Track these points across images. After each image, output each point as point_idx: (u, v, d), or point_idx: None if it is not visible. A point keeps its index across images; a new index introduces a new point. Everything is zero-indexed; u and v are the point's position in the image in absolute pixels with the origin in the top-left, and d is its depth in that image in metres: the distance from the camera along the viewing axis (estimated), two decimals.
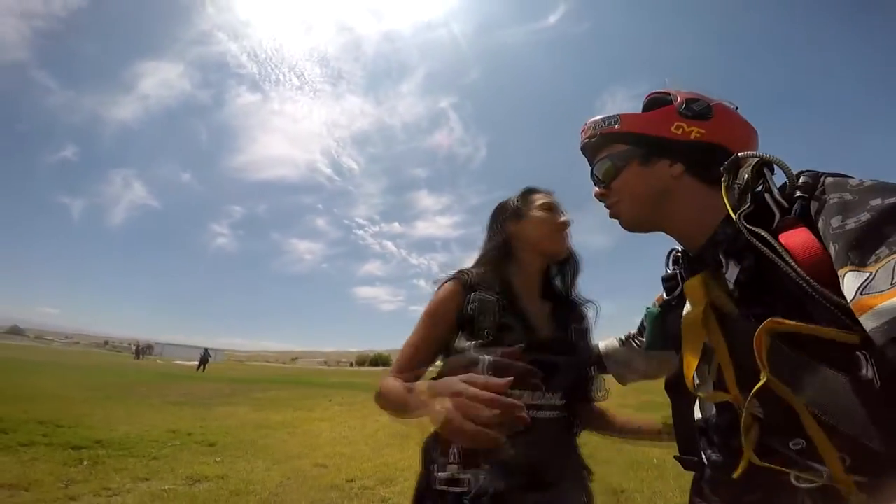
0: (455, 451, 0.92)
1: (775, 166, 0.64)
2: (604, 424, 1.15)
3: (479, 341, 0.95)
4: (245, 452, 5.29)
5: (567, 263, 1.20)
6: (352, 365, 70.28)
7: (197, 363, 28.64)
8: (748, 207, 0.61)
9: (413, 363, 1.01)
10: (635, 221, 0.78)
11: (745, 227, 0.59)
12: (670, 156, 0.72)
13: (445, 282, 1.08)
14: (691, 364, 0.68)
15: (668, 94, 0.76)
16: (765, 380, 0.53)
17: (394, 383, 0.93)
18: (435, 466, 0.96)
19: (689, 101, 0.73)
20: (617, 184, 0.77)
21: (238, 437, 6.28)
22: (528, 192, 1.20)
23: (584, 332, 1.16)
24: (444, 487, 0.93)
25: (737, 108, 0.76)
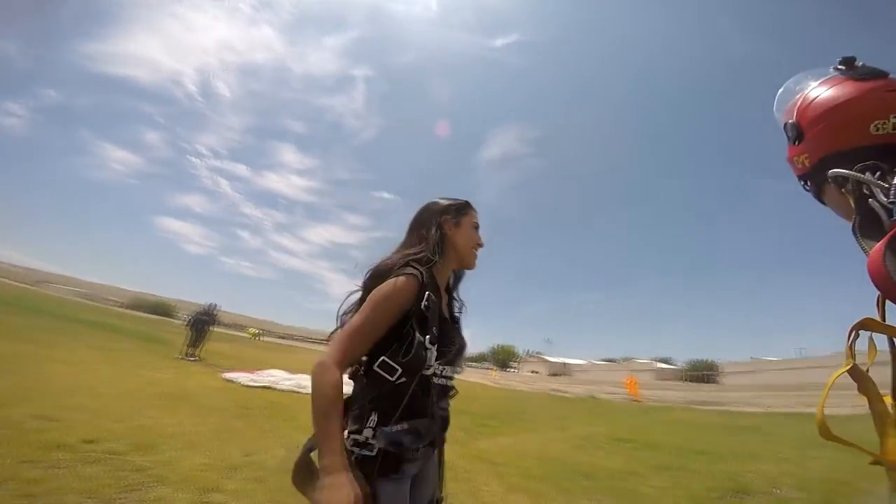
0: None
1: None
2: None
3: (429, 337, 1.06)
4: None
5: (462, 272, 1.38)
6: (122, 306, 58.23)
7: None
8: (856, 218, 0.60)
9: (360, 353, 1.05)
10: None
11: (858, 240, 0.59)
12: (824, 180, 0.69)
13: (401, 275, 1.09)
14: None
15: (780, 120, 0.75)
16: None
17: (334, 409, 0.94)
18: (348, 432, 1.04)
19: (785, 128, 0.71)
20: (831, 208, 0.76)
21: None
22: (467, 206, 1.34)
23: (460, 322, 1.35)
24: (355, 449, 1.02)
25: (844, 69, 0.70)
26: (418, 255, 1.18)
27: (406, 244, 1.25)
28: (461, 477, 3.63)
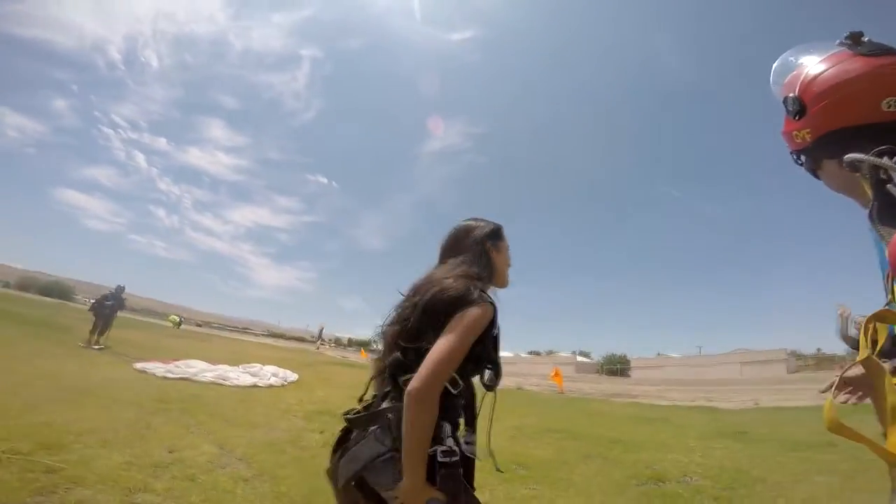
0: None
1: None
2: None
3: (494, 365, 1.17)
4: None
5: None
6: (8, 286, 50.86)
7: None
8: (874, 204, 0.59)
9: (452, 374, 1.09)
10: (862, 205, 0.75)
11: (876, 227, 0.58)
12: (823, 156, 0.72)
13: (482, 302, 1.12)
14: None
15: (778, 94, 0.74)
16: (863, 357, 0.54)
17: (428, 442, 1.02)
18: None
19: (785, 102, 0.70)
20: (825, 184, 0.79)
21: None
22: (501, 231, 1.42)
23: None
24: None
25: (853, 42, 0.68)
26: (478, 278, 1.24)
27: (454, 265, 1.27)
28: None
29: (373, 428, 1.12)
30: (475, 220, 1.41)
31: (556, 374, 15.16)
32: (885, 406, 0.52)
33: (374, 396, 1.21)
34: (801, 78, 0.71)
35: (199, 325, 53.98)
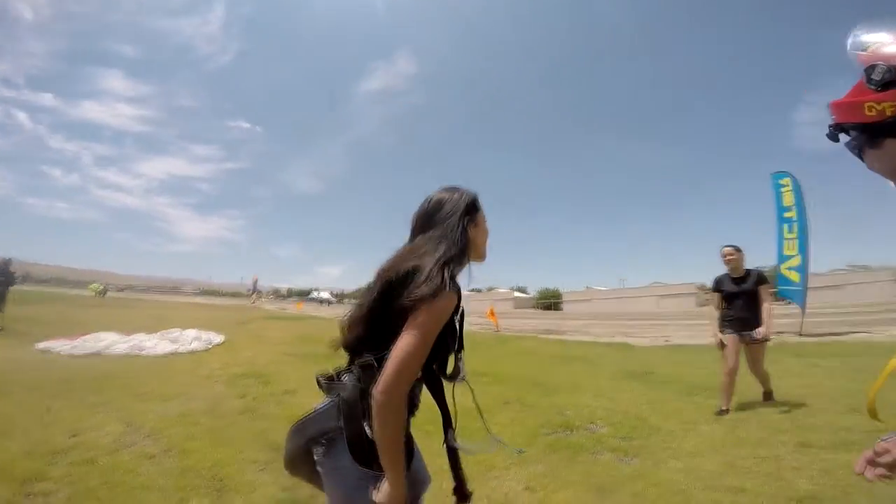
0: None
1: None
2: None
3: (459, 353, 1.20)
4: None
5: None
6: None
7: None
8: None
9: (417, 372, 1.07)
10: None
11: None
12: (890, 134, 0.68)
13: (448, 291, 1.06)
14: None
15: (860, 60, 0.69)
16: None
17: (399, 433, 1.03)
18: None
19: (869, 70, 0.66)
20: (867, 164, 0.75)
21: None
22: (477, 202, 1.31)
23: None
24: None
25: None
26: (448, 261, 1.13)
27: (422, 243, 1.19)
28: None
29: (331, 399, 1.14)
30: (448, 190, 1.30)
31: (492, 313, 15.92)
32: None
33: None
34: None
35: (121, 291, 50.01)
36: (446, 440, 1.25)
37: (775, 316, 4.31)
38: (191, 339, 8.71)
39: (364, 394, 1.06)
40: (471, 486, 1.26)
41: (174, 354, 7.71)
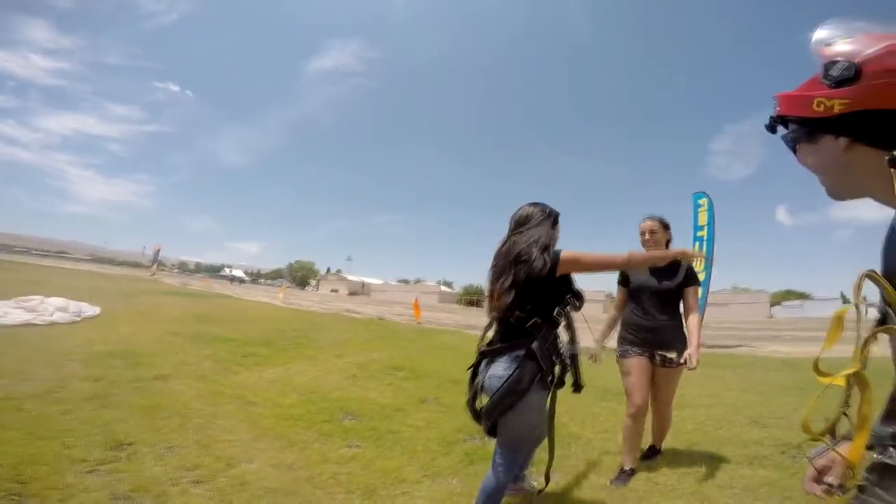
0: None
1: None
2: None
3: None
4: None
5: None
6: None
7: None
8: None
9: None
10: (830, 192, 0.78)
11: None
12: (830, 130, 0.70)
13: (545, 262, 1.84)
14: None
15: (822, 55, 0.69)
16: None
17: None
18: None
19: (828, 66, 0.67)
20: (799, 158, 0.78)
21: None
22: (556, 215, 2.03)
23: None
24: None
25: None
26: (546, 249, 1.86)
27: (526, 236, 1.89)
28: (194, 424, 3.06)
29: (504, 356, 1.79)
30: (535, 205, 2.01)
31: (416, 306, 15.58)
32: (861, 414, 0.67)
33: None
34: (873, 49, 0.66)
35: None
36: (571, 349, 1.88)
37: None
38: (53, 309, 7.23)
39: (544, 341, 1.77)
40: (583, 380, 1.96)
41: (27, 325, 6.33)
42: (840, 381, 0.71)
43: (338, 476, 2.43)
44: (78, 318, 7.29)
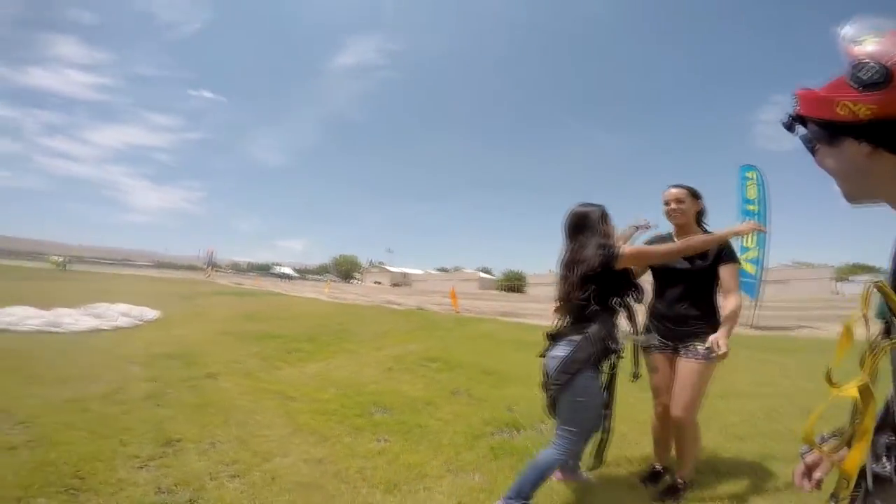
0: None
1: None
2: None
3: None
4: None
5: None
6: None
7: None
8: None
9: None
10: (846, 196, 0.74)
11: None
12: (853, 135, 0.66)
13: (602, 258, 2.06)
14: None
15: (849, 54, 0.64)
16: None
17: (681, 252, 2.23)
18: None
19: (857, 67, 0.62)
20: (817, 160, 0.75)
21: None
22: (607, 212, 2.21)
23: None
24: None
25: None
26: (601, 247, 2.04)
27: (586, 238, 2.10)
28: (237, 419, 3.25)
29: (564, 339, 2.03)
30: (586, 205, 2.19)
31: (453, 295, 15.64)
32: (861, 426, 0.68)
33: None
34: None
35: (63, 260, 46.57)
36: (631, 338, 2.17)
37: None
38: (118, 314, 7.88)
39: (602, 328, 1.97)
40: None
41: (95, 331, 6.93)
42: (853, 391, 0.70)
43: (364, 470, 2.52)
44: (140, 322, 7.92)
